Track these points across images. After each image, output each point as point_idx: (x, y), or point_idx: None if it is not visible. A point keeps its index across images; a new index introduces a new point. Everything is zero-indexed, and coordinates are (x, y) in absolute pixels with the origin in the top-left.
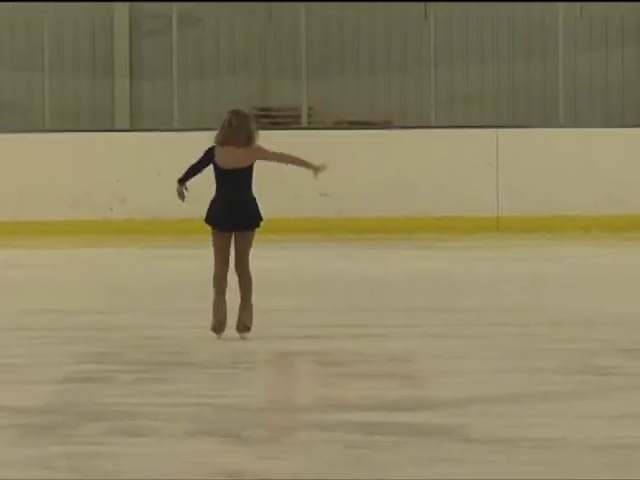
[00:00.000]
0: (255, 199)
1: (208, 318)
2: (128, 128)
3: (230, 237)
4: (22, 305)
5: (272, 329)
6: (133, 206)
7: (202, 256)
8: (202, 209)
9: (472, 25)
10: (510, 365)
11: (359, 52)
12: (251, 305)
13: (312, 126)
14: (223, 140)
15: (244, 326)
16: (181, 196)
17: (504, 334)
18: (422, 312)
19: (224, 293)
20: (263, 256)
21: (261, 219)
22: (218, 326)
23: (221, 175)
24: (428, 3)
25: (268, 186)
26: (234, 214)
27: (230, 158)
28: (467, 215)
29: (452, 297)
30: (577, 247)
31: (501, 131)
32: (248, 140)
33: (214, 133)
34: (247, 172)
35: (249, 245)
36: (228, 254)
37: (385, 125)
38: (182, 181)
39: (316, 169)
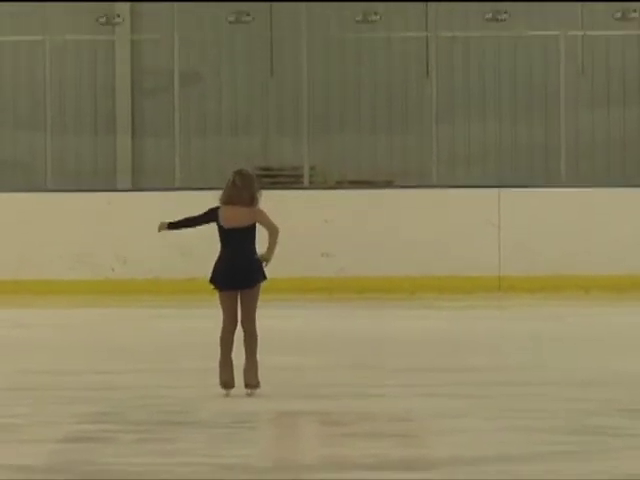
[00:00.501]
0: (259, 257)
1: (210, 377)
2: (130, 187)
3: (236, 295)
4: (23, 364)
5: (274, 388)
6: (135, 266)
7: (204, 316)
8: (204, 269)
9: (474, 83)
10: (510, 424)
11: (360, 111)
12: (256, 362)
13: (314, 186)
14: (227, 200)
15: (250, 384)
16: (161, 228)
17: (505, 393)
18: (423, 371)
19: (231, 351)
20: (265, 315)
21: (265, 277)
22: (226, 383)
23: (225, 234)
24: (429, 61)
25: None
26: (237, 273)
27: (233, 217)
28: (469, 275)
29: (453, 357)
30: (578, 307)
31: (503, 190)
32: (252, 200)
33: (217, 192)
34: (250, 230)
35: (255, 302)
36: (235, 313)
37: (386, 184)
38: (172, 226)
39: (266, 259)
